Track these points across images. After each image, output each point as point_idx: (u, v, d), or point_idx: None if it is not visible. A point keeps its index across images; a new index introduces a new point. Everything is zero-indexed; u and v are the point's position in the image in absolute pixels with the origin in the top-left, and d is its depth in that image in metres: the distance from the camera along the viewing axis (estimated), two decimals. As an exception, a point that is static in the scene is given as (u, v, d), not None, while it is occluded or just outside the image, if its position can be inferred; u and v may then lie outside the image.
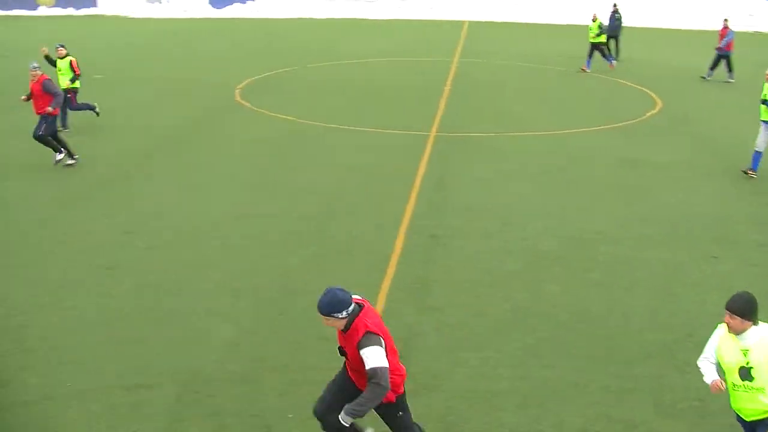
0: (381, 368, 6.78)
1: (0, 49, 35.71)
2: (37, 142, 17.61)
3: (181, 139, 20.37)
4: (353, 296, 7.08)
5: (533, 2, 50.53)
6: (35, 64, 17.53)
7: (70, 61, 20.77)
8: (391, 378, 6.92)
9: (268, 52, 35.59)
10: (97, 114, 21.45)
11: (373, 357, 6.81)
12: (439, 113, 23.22)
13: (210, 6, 51.84)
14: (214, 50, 36.08)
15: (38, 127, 17.43)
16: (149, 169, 17.87)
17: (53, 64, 20.95)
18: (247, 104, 24.23)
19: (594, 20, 31.31)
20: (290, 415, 8.68)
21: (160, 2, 48.98)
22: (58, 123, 20.07)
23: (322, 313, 6.93)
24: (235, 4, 51.95)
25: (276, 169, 17.81)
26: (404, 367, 7.39)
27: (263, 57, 34.07)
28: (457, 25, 47.31)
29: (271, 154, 18.88)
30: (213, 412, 8.75)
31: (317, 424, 8.04)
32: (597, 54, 31.59)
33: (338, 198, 15.89)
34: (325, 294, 6.93)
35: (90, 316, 11.05)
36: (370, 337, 6.88)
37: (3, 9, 50.92)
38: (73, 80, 20.85)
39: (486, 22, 48.81)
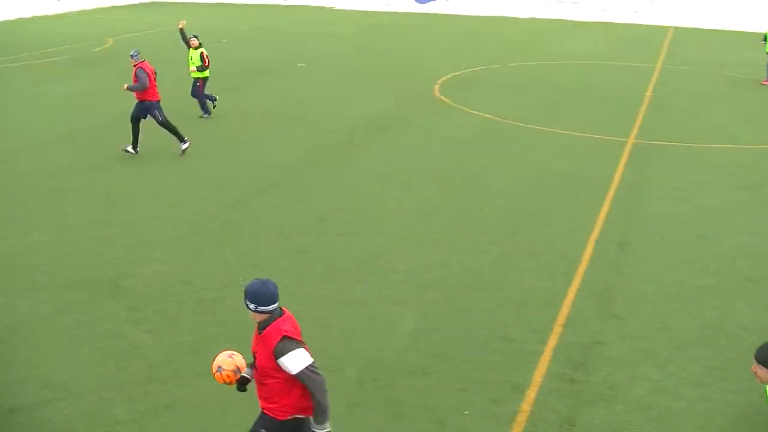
0: (307, 367, 6.39)
1: (217, 35, 37.30)
2: (162, 128, 18.35)
3: (378, 130, 20.76)
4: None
5: (741, 9, 48.61)
6: (133, 52, 18.20)
7: (201, 52, 21.70)
8: (288, 401, 6.60)
9: (469, 49, 35.72)
10: (213, 107, 22.25)
11: (296, 362, 6.39)
12: (639, 120, 22.73)
13: (414, 1, 52.35)
14: (416, 45, 36.49)
15: (155, 116, 18.13)
16: (345, 157, 18.33)
17: (185, 39, 22.04)
18: (446, 100, 24.42)
19: None
20: (466, 412, 8.76)
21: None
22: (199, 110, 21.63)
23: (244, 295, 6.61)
24: (438, 0, 52.30)
25: (470, 165, 17.90)
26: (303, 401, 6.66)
27: (465, 54, 34.22)
28: (662, 30, 46.07)
29: (466, 151, 18.98)
30: (390, 400, 8.93)
31: (491, 423, 8.09)
32: None
33: (531, 199, 15.83)
34: (256, 280, 6.68)
35: (280, 297, 11.46)
36: (288, 342, 6.44)
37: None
38: (200, 69, 21.70)
39: (692, 28, 47.32)
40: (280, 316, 6.65)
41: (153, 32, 39.50)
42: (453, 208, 15.15)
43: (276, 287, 6.63)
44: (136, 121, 18.17)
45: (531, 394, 9.14)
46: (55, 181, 16.66)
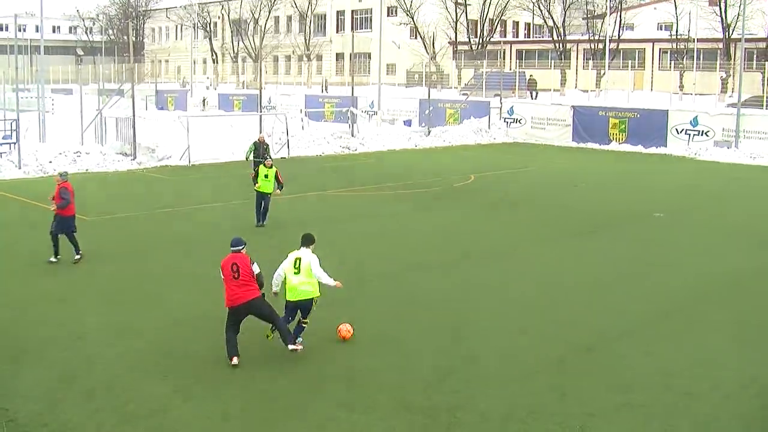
0: None
1: (574, 179, 37.74)
2: (50, 238, 20.74)
3: (735, 287, 19.53)
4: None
5: None
6: (62, 172, 21.47)
7: (276, 171, 24.84)
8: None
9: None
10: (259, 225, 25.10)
11: None
12: None
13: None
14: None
15: (52, 224, 20.77)
16: (697, 313, 17.42)
17: (257, 165, 25.95)
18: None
19: None
20: None
21: (728, 147, 48.26)
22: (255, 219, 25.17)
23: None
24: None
25: None
26: (231, 296, 13.61)
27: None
28: None
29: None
30: None
31: None
32: None
33: None
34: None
35: None
36: None
37: (579, 142, 54.03)
38: (280, 188, 25.14)
39: None
40: (230, 254, 13.81)
41: (511, 171, 40.61)
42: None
43: (237, 241, 13.94)
44: (56, 235, 20.75)
45: None
46: (440, 304, 17.39)
